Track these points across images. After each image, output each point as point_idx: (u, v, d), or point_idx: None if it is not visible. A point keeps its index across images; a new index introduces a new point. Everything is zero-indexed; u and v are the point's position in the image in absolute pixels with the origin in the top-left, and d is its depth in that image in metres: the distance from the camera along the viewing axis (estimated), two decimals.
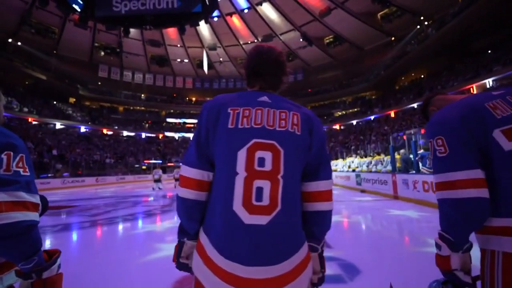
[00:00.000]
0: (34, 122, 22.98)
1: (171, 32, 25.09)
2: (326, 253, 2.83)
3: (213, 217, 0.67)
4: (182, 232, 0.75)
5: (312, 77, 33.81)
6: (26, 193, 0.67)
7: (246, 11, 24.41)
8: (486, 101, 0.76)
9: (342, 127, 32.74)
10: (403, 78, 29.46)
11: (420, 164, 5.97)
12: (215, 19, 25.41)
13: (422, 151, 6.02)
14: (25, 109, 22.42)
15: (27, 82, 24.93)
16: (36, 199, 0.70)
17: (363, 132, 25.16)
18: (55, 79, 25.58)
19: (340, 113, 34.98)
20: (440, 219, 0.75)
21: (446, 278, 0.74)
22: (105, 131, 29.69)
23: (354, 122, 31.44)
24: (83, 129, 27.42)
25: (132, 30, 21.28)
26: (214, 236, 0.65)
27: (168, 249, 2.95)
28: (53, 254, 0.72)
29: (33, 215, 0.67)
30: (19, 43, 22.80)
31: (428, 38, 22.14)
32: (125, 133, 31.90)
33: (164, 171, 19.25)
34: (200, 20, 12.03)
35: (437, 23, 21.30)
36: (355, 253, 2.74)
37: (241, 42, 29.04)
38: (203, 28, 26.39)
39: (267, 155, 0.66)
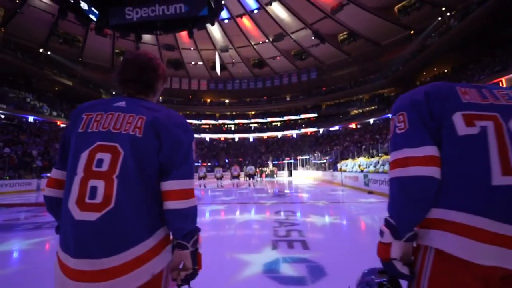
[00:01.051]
0: (62, 125, 24.88)
1: (184, 36, 25.81)
2: (300, 254, 2.81)
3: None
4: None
5: (326, 75, 33.06)
6: None
7: (255, 11, 24.45)
8: (460, 86, 0.74)
9: (358, 126, 31.68)
10: (424, 73, 27.85)
11: None
12: (226, 21, 25.75)
13: None
14: (54, 113, 24.34)
15: (56, 88, 26.97)
16: None
17: (380, 131, 24.16)
18: (80, 85, 27.45)
19: (356, 111, 33.84)
20: (388, 203, 0.71)
21: (383, 267, 0.71)
22: None
23: (371, 120, 30.26)
24: None
25: (147, 36, 22.29)
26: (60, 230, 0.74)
27: None
28: None
29: None
30: (48, 53, 24.77)
31: (451, 30, 20.71)
32: None
33: None
34: (207, 23, 12.31)
35: (460, 13, 19.91)
36: (331, 256, 2.69)
37: (253, 43, 29.15)
38: (215, 30, 26.85)
39: (106, 157, 0.71)
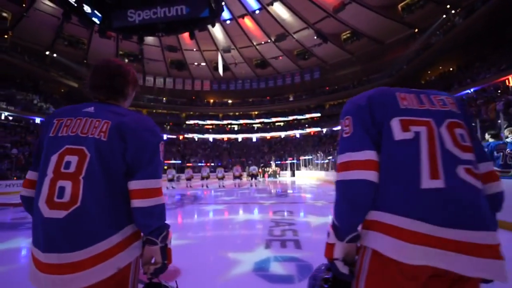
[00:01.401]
0: None
1: (187, 37, 26.01)
2: (291, 253, 2.85)
3: None
4: None
5: (329, 74, 32.91)
6: None
7: (257, 12, 24.48)
8: (400, 92, 0.78)
9: None
10: (429, 72, 27.53)
11: None
12: (228, 22, 25.85)
13: None
14: None
15: (62, 90, 27.46)
16: None
17: None
18: (85, 87, 27.91)
19: None
20: (334, 205, 0.75)
21: (329, 266, 0.76)
22: None
23: None
24: None
25: (150, 37, 22.50)
26: None
27: None
28: None
29: None
30: (54, 55, 25.23)
31: (455, 28, 20.44)
32: None
33: (182, 171, 20.10)
34: (208, 24, 12.40)
35: (464, 11, 19.62)
36: (322, 255, 2.72)
37: (255, 43, 29.20)
38: (217, 31, 26.98)
39: (74, 159, 0.76)
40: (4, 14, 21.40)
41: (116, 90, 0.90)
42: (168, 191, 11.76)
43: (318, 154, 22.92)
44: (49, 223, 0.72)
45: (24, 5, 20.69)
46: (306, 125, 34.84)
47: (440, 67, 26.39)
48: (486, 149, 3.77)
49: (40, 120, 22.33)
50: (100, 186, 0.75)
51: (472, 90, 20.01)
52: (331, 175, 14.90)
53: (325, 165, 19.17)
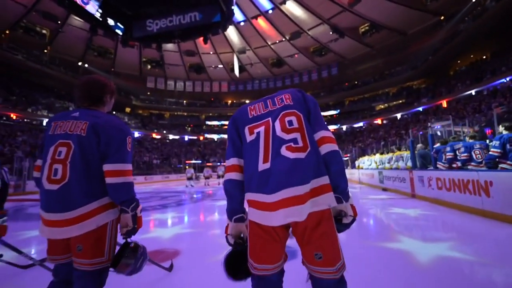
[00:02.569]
0: None
1: (203, 42, 26.97)
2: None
3: None
4: None
5: (348, 70, 31.92)
6: None
7: (270, 11, 24.50)
8: (252, 104, 1.07)
9: (384, 122, 30.08)
10: (459, 61, 25.54)
11: (438, 159, 5.40)
12: (242, 23, 26.21)
13: (438, 144, 5.44)
14: None
15: None
16: None
17: (407, 126, 22.73)
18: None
19: (382, 106, 32.15)
20: None
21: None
22: (154, 135, 33.48)
23: (399, 115, 28.56)
24: (136, 134, 31.45)
25: (170, 44, 23.63)
26: None
27: (153, 231, 3.54)
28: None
29: None
30: (86, 65, 27.54)
31: (487, 12, 18.78)
32: (171, 136, 35.35)
33: (201, 170, 20.93)
34: (220, 28, 12.82)
35: None
36: None
37: (270, 43, 29.25)
38: (232, 33, 27.49)
39: (64, 149, 1.07)
40: (44, 31, 23.87)
41: (95, 99, 1.21)
42: (187, 189, 12.38)
43: None
44: (48, 193, 1.04)
45: (59, 22, 22.91)
46: (325, 123, 34.03)
47: (472, 56, 24.37)
48: (498, 141, 3.59)
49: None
50: (81, 168, 1.06)
51: (508, 79, 18.26)
52: (348, 173, 14.57)
53: (346, 164, 18.74)
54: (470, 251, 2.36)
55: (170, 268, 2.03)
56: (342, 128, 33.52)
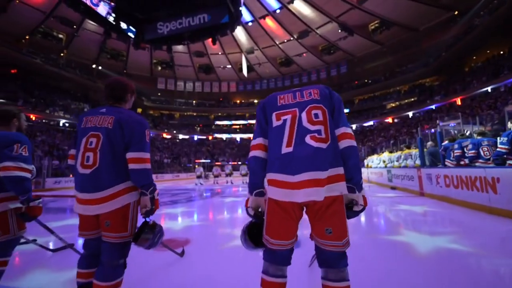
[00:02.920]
0: None
1: (211, 43, 27.33)
2: None
3: None
4: None
5: (358, 68, 31.48)
6: (24, 163, 1.45)
7: (278, 11, 24.54)
8: (282, 94, 1.20)
9: (395, 120, 29.48)
10: (475, 57, 24.67)
11: (446, 157, 5.35)
12: (250, 24, 26.38)
13: (446, 142, 5.39)
14: None
15: None
16: (29, 166, 1.47)
17: (420, 124, 22.20)
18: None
19: (393, 105, 31.49)
20: None
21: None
22: (164, 135, 34.23)
23: (410, 113, 27.91)
24: None
25: (180, 46, 24.11)
26: None
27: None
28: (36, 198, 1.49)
29: (25, 174, 1.44)
30: (100, 68, 28.51)
31: (504, 5, 18.08)
32: (181, 136, 36.03)
33: (210, 169, 21.28)
34: (228, 29, 13.02)
35: None
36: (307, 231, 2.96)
37: (278, 42, 29.29)
38: (240, 34, 27.71)
39: (94, 140, 1.26)
40: (60, 36, 24.93)
41: (119, 97, 1.41)
42: (196, 187, 12.67)
43: None
44: (82, 176, 1.24)
45: (74, 26, 23.86)
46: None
47: (488, 51, 23.50)
48: (506, 138, 3.57)
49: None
50: (108, 155, 1.24)
51: None
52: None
53: None
54: (469, 244, 2.41)
55: (181, 254, 2.20)
56: (351, 127, 33.07)
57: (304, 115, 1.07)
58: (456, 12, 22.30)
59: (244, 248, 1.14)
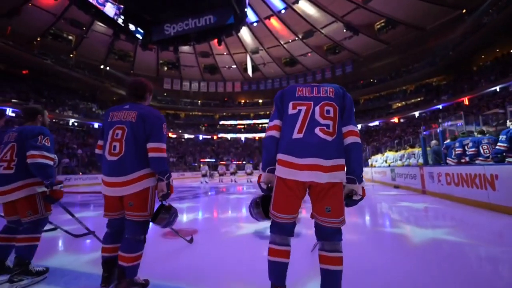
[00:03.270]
0: None
1: (217, 43, 27.56)
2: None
3: None
4: None
5: (363, 67, 31.27)
6: (46, 152, 1.65)
7: (283, 11, 24.60)
8: (300, 86, 1.35)
9: (401, 120, 29.23)
10: (483, 56, 24.29)
11: (448, 155, 5.41)
12: (255, 24, 26.52)
13: (448, 140, 5.45)
14: None
15: (114, 98, 31.43)
16: (51, 155, 1.67)
17: (426, 124, 21.96)
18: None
19: (399, 104, 31.21)
20: None
21: (259, 195, 1.33)
22: (170, 134, 34.66)
23: (417, 113, 27.65)
24: None
25: (185, 46, 24.44)
26: None
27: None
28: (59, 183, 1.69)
29: (48, 161, 1.65)
30: (107, 68, 29.08)
31: None
32: (186, 135, 36.43)
33: (215, 169, 21.55)
34: (234, 30, 13.22)
35: None
36: (310, 225, 3.10)
37: (282, 42, 29.35)
38: (245, 34, 27.88)
39: (120, 132, 1.45)
40: (70, 37, 25.54)
41: (139, 96, 1.61)
42: (202, 185, 12.89)
43: None
44: (109, 163, 1.43)
45: (84, 28, 24.42)
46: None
47: (497, 50, 23.10)
48: (504, 136, 3.65)
49: (98, 125, 26.04)
50: (132, 145, 1.44)
51: None
52: (364, 173, 14.41)
53: None
54: (463, 236, 2.52)
55: (190, 241, 2.39)
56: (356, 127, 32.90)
57: (317, 109, 1.22)
58: (464, 11, 22.00)
59: (251, 224, 1.31)
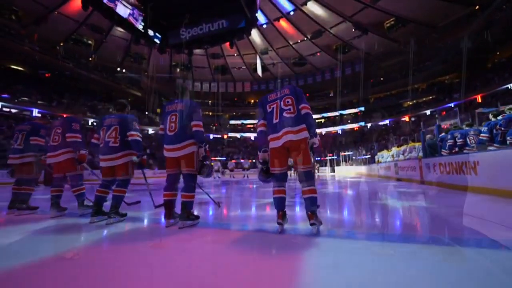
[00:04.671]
0: None
1: (228, 45, 28.31)
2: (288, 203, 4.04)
3: None
4: None
5: (373, 66, 31.19)
6: (138, 132, 2.49)
7: (292, 13, 25.10)
8: (270, 94, 2.15)
9: (412, 119, 29.02)
10: (498, 53, 23.82)
11: (442, 147, 5.86)
12: (264, 26, 27.14)
13: (443, 134, 5.90)
14: None
15: (129, 99, 32.84)
16: (140, 134, 2.48)
17: (434, 123, 21.85)
18: (147, 95, 32.99)
19: (410, 103, 30.93)
20: None
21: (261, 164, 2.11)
22: None
23: (428, 112, 27.40)
24: None
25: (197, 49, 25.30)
26: None
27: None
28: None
29: (140, 139, 2.52)
30: (123, 70, 30.53)
31: None
32: None
33: (225, 167, 22.36)
34: (245, 33, 13.92)
35: None
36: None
37: (291, 42, 29.80)
38: (255, 36, 28.52)
39: (174, 117, 2.23)
40: (90, 42, 27.09)
41: (181, 94, 2.34)
42: (214, 180, 13.68)
43: (359, 150, 22.39)
44: (170, 136, 2.21)
45: (103, 33, 25.87)
46: (348, 121, 33.76)
47: None
48: (486, 127, 4.12)
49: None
50: (182, 124, 2.19)
51: None
52: (369, 169, 14.80)
53: (365, 160, 18.82)
54: (435, 203, 3.08)
55: (219, 205, 3.09)
56: (366, 126, 32.88)
57: (282, 102, 2.07)
58: (477, 7, 21.71)
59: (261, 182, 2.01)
